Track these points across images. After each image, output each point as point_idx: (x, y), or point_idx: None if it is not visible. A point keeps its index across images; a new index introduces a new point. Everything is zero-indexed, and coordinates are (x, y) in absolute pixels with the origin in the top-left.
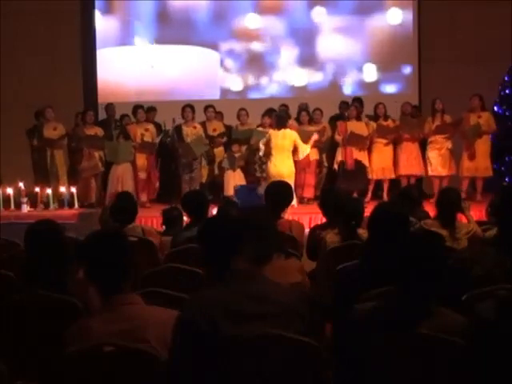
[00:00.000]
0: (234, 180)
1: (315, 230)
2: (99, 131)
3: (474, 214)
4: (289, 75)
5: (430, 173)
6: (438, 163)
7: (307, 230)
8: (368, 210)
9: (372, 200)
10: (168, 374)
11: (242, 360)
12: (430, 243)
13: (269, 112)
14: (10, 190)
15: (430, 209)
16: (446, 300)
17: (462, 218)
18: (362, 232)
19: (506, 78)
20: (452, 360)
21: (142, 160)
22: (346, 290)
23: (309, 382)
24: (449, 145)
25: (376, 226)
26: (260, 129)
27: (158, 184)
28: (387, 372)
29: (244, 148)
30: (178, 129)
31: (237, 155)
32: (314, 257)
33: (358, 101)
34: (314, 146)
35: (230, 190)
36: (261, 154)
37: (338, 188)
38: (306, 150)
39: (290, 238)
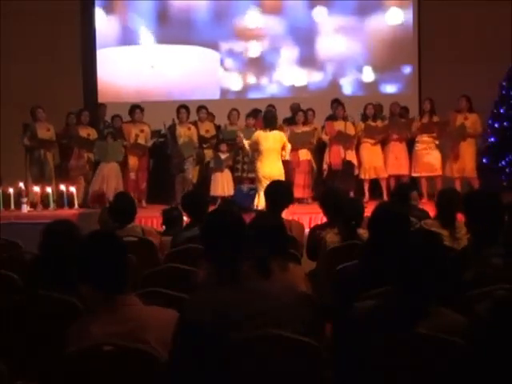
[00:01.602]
0: (222, 180)
1: (315, 230)
2: (92, 132)
3: None
4: (289, 75)
5: (415, 173)
6: (422, 164)
7: (307, 230)
8: (368, 210)
9: (371, 200)
10: (168, 374)
11: (242, 360)
12: (429, 243)
13: (253, 113)
14: (10, 190)
15: (430, 209)
16: (446, 300)
17: (462, 218)
18: (362, 232)
19: (505, 78)
20: (452, 360)
21: (133, 160)
22: (346, 289)
23: (309, 382)
24: (436, 145)
25: (377, 226)
26: (244, 128)
27: (144, 185)
28: (387, 372)
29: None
30: (172, 128)
31: (223, 156)
32: (314, 257)
33: (336, 102)
34: (306, 147)
35: (217, 191)
36: (250, 155)
37: (338, 188)
38: (289, 150)
39: (290, 238)
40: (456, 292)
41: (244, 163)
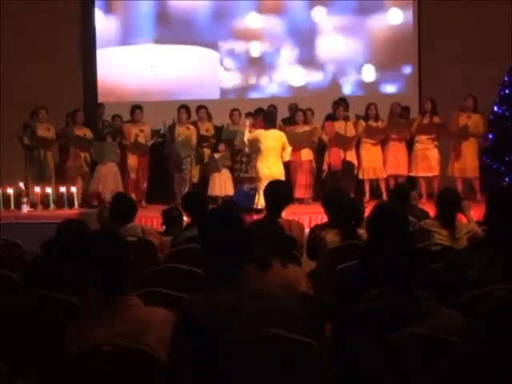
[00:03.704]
0: (220, 180)
1: (315, 230)
2: (88, 132)
3: (474, 214)
4: (288, 75)
5: (413, 173)
6: (421, 164)
7: (307, 230)
8: (367, 211)
9: (371, 200)
10: (168, 374)
11: (242, 360)
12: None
13: (254, 112)
14: (10, 190)
15: (430, 209)
16: (446, 300)
17: (462, 218)
18: (362, 232)
19: (506, 78)
20: (452, 360)
21: (133, 160)
22: (346, 290)
23: (309, 382)
24: (435, 145)
25: (375, 226)
26: (244, 129)
27: (145, 185)
28: (387, 372)
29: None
30: (171, 128)
31: (217, 156)
32: (314, 257)
33: (343, 101)
34: (308, 146)
35: (214, 191)
36: (246, 150)
37: (341, 188)
38: (290, 151)
39: (289, 238)
40: (456, 292)
41: (242, 163)
